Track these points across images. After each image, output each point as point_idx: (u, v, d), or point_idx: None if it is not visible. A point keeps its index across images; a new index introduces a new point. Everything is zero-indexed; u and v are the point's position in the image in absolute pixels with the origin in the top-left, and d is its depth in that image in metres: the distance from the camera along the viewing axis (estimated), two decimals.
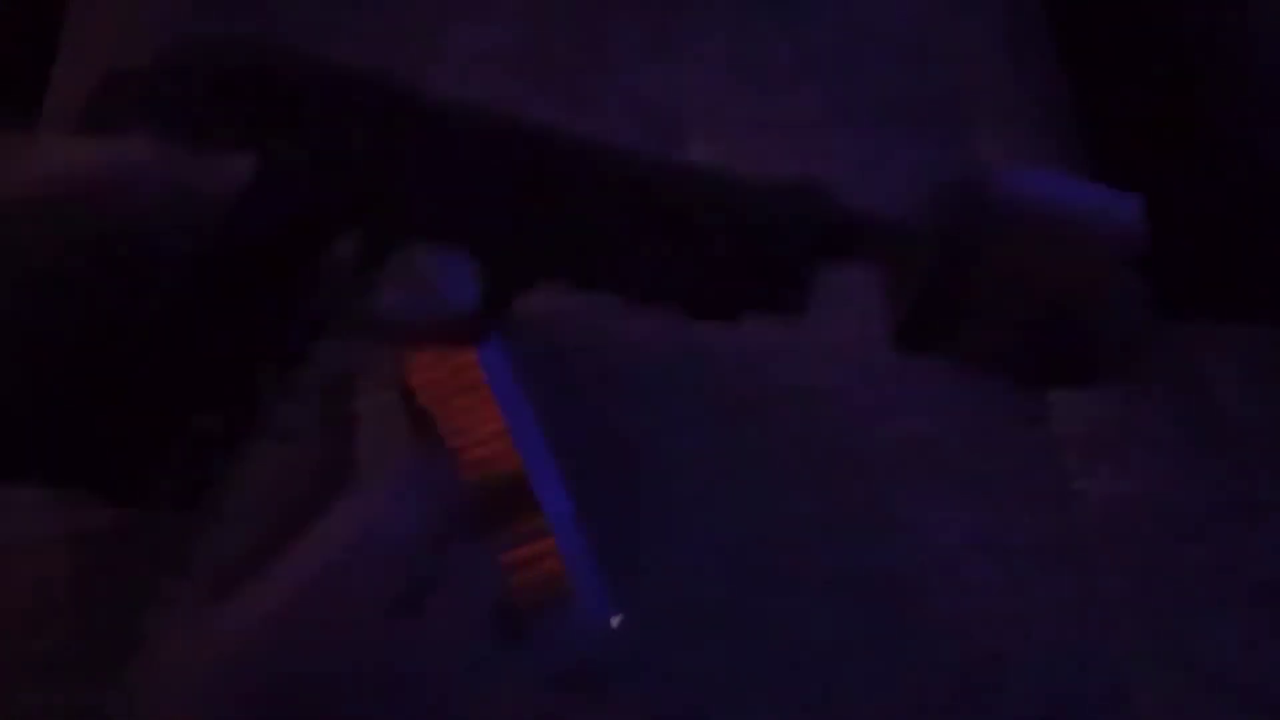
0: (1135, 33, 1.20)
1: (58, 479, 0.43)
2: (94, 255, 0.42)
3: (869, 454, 0.87)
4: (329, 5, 1.02)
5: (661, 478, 0.85)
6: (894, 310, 0.58)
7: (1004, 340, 0.55)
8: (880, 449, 0.87)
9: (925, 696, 0.79)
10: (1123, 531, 0.85)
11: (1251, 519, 0.87)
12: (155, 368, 0.46)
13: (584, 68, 1.02)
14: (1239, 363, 0.95)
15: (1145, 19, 1.20)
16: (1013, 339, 0.54)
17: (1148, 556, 0.85)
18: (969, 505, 0.85)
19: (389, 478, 0.67)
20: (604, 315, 0.90)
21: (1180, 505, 0.87)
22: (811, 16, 1.06)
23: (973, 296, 0.54)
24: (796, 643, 0.80)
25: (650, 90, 1.01)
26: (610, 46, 1.04)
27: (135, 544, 0.82)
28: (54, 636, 0.79)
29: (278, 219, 0.52)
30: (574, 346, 0.89)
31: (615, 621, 0.68)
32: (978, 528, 0.84)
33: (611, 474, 0.84)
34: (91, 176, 0.44)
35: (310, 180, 0.54)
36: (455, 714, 0.61)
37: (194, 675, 0.41)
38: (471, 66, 1.01)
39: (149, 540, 0.82)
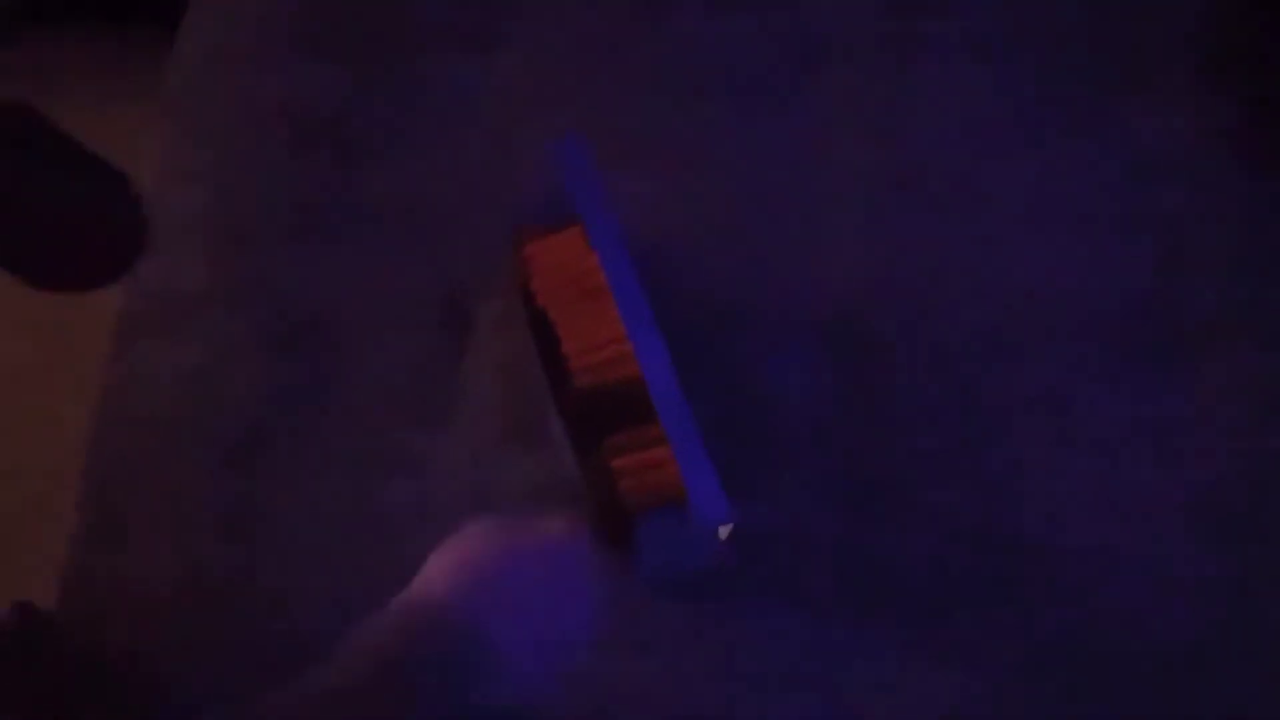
0: None
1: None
2: None
3: (996, 401, 0.83)
4: None
5: (777, 407, 0.84)
6: None
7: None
8: (1009, 397, 0.83)
9: (1030, 659, 0.76)
10: (1264, 489, 0.79)
11: None
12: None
13: None
14: None
15: None
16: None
17: None
18: (1102, 460, 0.81)
19: None
20: (731, 241, 0.90)
21: None
22: None
23: None
24: (901, 587, 0.78)
25: None
26: None
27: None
28: None
29: None
30: (701, 271, 0.89)
31: (724, 532, 0.67)
32: (1112, 485, 0.80)
33: (727, 397, 0.83)
34: None
35: None
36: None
37: None
38: None
39: None
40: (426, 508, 0.82)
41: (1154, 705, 0.74)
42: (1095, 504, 0.79)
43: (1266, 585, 0.77)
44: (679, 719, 0.75)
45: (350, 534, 0.82)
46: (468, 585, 0.54)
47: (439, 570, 0.55)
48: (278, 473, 0.84)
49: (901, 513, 0.80)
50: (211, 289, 0.91)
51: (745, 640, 0.77)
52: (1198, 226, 0.88)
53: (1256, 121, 0.90)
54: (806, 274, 0.88)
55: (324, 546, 0.82)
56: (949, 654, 0.76)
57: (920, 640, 0.76)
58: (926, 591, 0.78)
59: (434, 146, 0.95)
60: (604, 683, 0.75)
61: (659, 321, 0.72)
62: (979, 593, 0.77)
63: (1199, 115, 0.91)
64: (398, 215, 0.93)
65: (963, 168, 0.91)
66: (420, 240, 0.92)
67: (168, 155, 0.97)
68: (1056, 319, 0.85)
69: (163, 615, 0.80)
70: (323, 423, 0.86)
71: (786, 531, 0.79)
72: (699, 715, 0.75)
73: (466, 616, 0.52)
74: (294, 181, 0.95)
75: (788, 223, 0.90)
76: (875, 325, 0.86)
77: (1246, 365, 0.83)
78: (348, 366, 0.88)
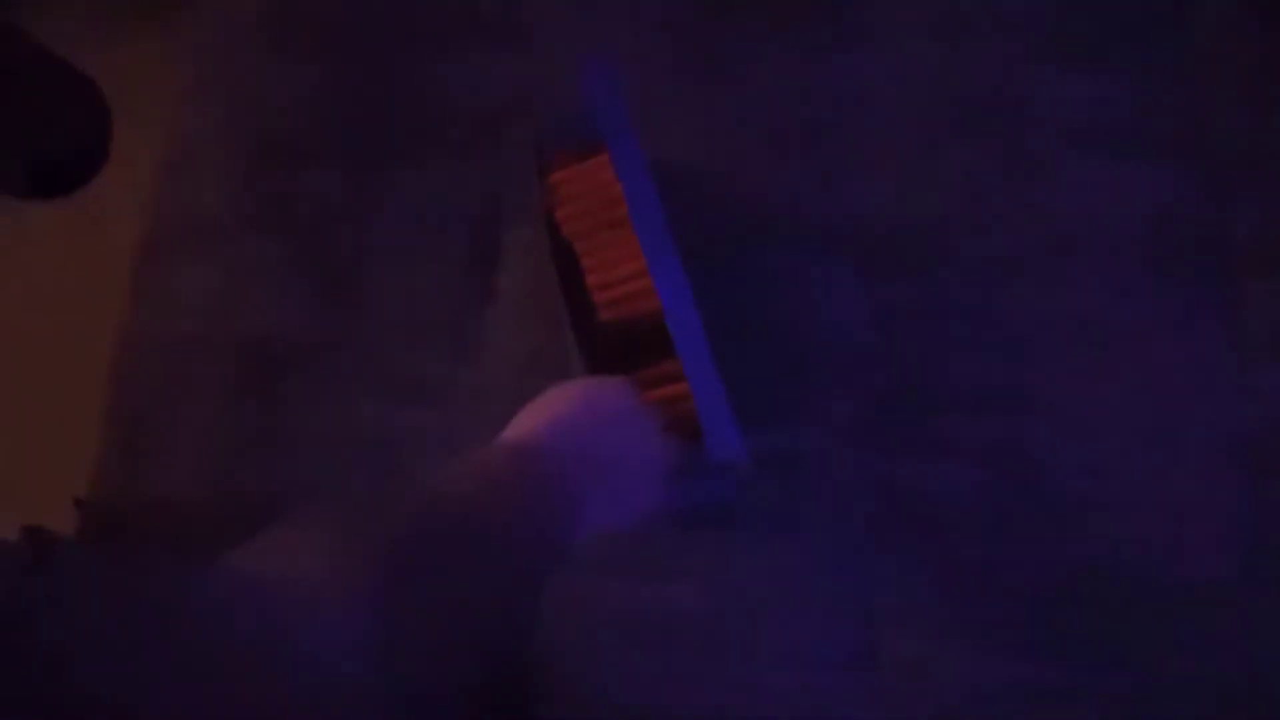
0: None
1: None
2: None
3: (1035, 328, 0.82)
4: None
5: (813, 331, 0.83)
6: None
7: None
8: (1048, 323, 0.82)
9: (1059, 586, 0.75)
10: None
11: None
12: None
13: None
14: None
15: None
16: None
17: None
18: (1136, 391, 0.80)
19: None
20: (769, 164, 0.88)
21: None
22: None
23: None
24: (933, 513, 0.77)
25: None
26: None
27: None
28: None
29: None
30: (738, 194, 0.87)
31: (744, 470, 0.67)
32: (1144, 414, 0.79)
33: (762, 321, 0.82)
34: None
35: None
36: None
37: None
38: None
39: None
40: (445, 437, 0.82)
41: (1178, 633, 0.74)
42: (1130, 435, 0.78)
43: None
44: (705, 647, 0.75)
45: (368, 460, 0.82)
46: (558, 438, 0.56)
47: (531, 422, 0.58)
48: (297, 397, 0.84)
49: (936, 438, 0.79)
50: (232, 211, 0.90)
51: (772, 567, 0.77)
52: (1245, 153, 0.85)
53: None
54: (844, 196, 0.87)
55: (342, 471, 0.82)
56: (979, 581, 0.76)
57: (950, 566, 0.76)
58: (958, 518, 0.77)
59: (466, 64, 0.93)
60: (626, 610, 0.76)
61: (692, 244, 0.71)
62: (1010, 521, 0.77)
63: (1247, 40, 0.88)
64: (426, 136, 0.92)
65: (1006, 89, 0.89)
66: (449, 162, 0.90)
67: (185, 72, 0.95)
68: (1098, 245, 0.84)
69: (182, 538, 0.81)
70: (344, 349, 0.86)
71: (818, 456, 0.79)
72: (726, 643, 0.75)
73: (555, 464, 0.54)
74: (319, 100, 0.94)
75: (826, 145, 0.88)
76: (914, 248, 0.85)
77: None
78: (370, 292, 0.87)
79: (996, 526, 0.77)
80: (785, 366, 0.81)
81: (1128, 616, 0.74)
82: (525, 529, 0.50)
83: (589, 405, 0.60)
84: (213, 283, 0.88)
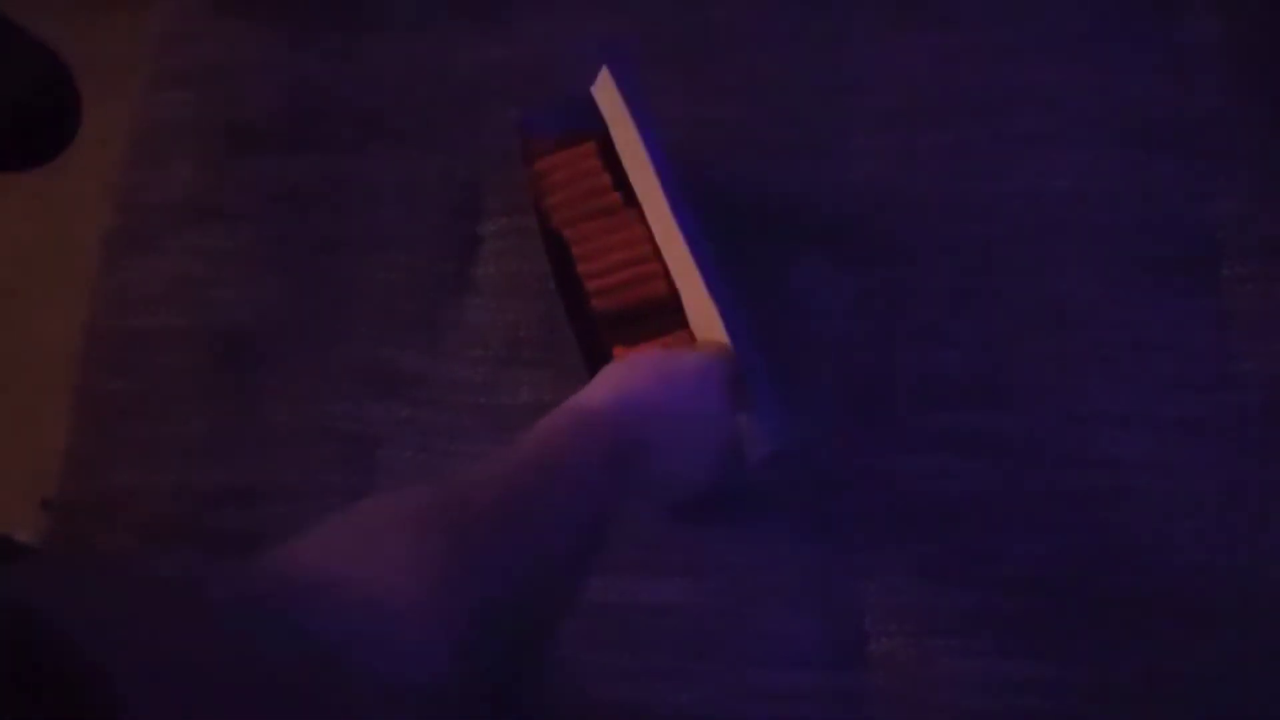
0: None
1: None
2: None
3: (1015, 313, 0.82)
4: None
5: (797, 318, 0.82)
6: None
7: None
8: (1028, 308, 0.82)
9: (1038, 569, 0.75)
10: None
11: None
12: None
13: None
14: None
15: None
16: None
17: None
18: (1116, 373, 0.80)
19: None
20: (751, 149, 0.88)
21: None
22: None
23: None
24: (920, 504, 0.77)
25: None
26: None
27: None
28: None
29: None
30: (721, 180, 0.86)
31: (762, 457, 0.66)
32: (1124, 397, 0.79)
33: (746, 307, 0.81)
34: None
35: None
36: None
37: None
38: None
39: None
40: (422, 431, 0.80)
41: (1157, 628, 0.73)
42: (1113, 424, 0.78)
43: None
44: (692, 644, 0.74)
45: (342, 455, 0.81)
46: (632, 403, 0.58)
47: (606, 388, 0.59)
48: (270, 390, 0.82)
49: (919, 431, 0.79)
50: (201, 199, 0.87)
51: (754, 564, 0.76)
52: (1225, 140, 0.85)
53: None
54: (827, 181, 0.86)
55: (314, 465, 0.80)
56: (966, 575, 0.75)
57: (937, 561, 0.76)
58: (943, 512, 0.77)
59: (443, 46, 0.92)
60: (612, 607, 0.75)
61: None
62: (995, 514, 0.77)
63: (1226, 28, 0.89)
64: (402, 122, 0.90)
65: (988, 73, 0.89)
66: (426, 148, 0.89)
67: (153, 55, 0.93)
68: (1078, 232, 0.84)
69: (151, 535, 0.79)
70: (317, 340, 0.84)
71: (800, 450, 0.78)
72: (712, 640, 0.74)
73: (629, 430, 0.56)
74: (290, 83, 0.91)
75: (808, 130, 0.88)
76: (896, 233, 0.85)
77: (1271, 288, 0.81)
78: (343, 282, 0.85)
79: (982, 519, 0.77)
80: (763, 354, 0.80)
81: (1116, 611, 0.74)
82: (593, 498, 0.52)
83: (655, 368, 0.62)
84: (181, 272, 0.86)
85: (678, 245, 0.68)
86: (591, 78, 0.74)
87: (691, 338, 0.70)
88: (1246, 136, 0.86)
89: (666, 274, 0.71)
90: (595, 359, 0.72)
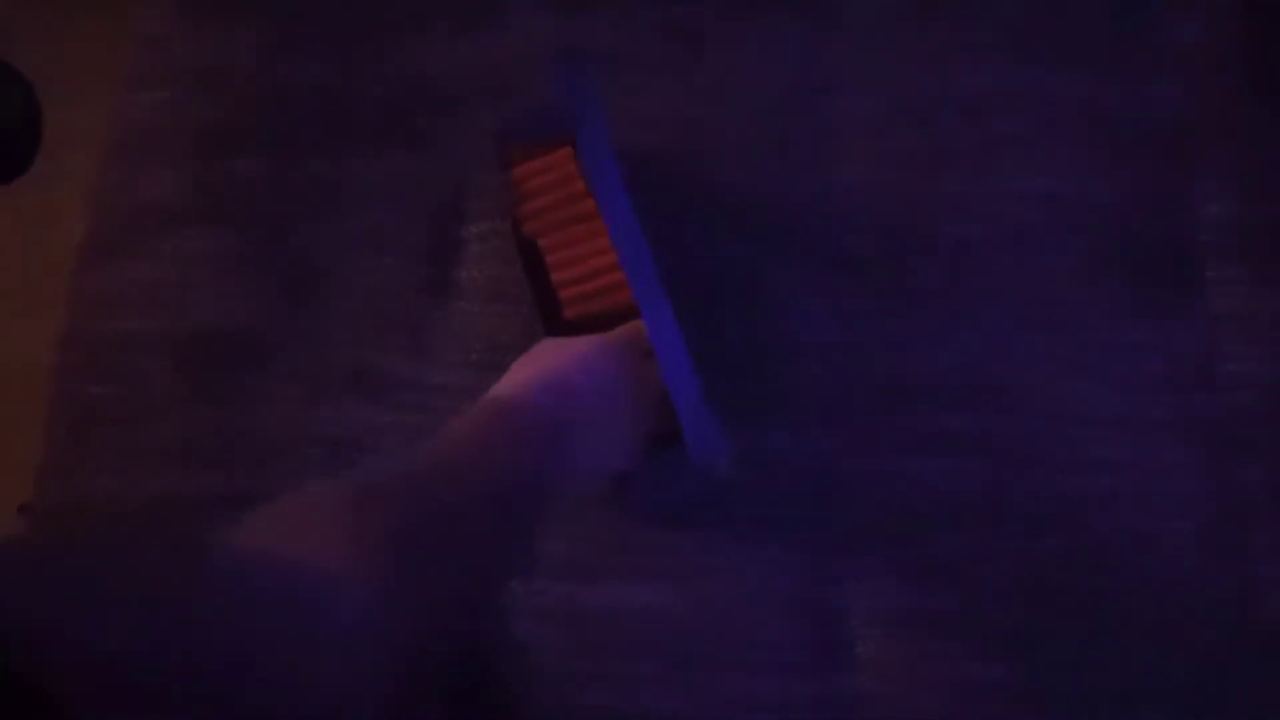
0: None
1: None
2: None
3: (999, 315, 0.81)
4: None
5: (780, 327, 0.81)
6: None
7: None
8: (1012, 310, 0.81)
9: (1025, 572, 0.75)
10: (1272, 417, 0.78)
11: None
12: None
13: None
14: None
15: None
16: None
17: None
18: (1103, 375, 0.79)
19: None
20: (734, 157, 0.87)
21: None
22: None
23: None
24: (905, 507, 0.77)
25: None
26: None
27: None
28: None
29: None
30: (705, 188, 0.86)
31: (724, 468, 0.66)
32: (1111, 399, 0.79)
33: (728, 318, 0.81)
34: None
35: None
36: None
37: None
38: None
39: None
40: (405, 436, 0.80)
41: (1141, 630, 0.73)
42: (1099, 426, 0.78)
43: (1268, 512, 0.76)
44: (675, 650, 0.74)
45: (325, 460, 0.80)
46: (548, 389, 0.59)
47: (521, 376, 0.60)
48: (251, 396, 0.82)
49: (904, 434, 0.78)
50: (179, 202, 0.87)
51: (740, 569, 0.76)
52: (1210, 143, 0.85)
53: (1269, 36, 0.88)
54: (810, 183, 0.85)
55: (297, 469, 0.80)
56: (951, 579, 0.75)
57: (921, 565, 0.76)
58: (928, 516, 0.77)
59: (427, 49, 0.91)
60: (599, 613, 0.74)
61: (662, 237, 0.70)
62: (980, 517, 0.76)
63: (1215, 33, 0.88)
64: (384, 124, 0.89)
65: (972, 74, 0.88)
66: (409, 151, 0.88)
67: (128, 56, 0.92)
68: (1064, 234, 0.83)
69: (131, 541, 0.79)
70: (299, 345, 0.83)
71: (785, 455, 0.78)
72: (696, 646, 0.74)
73: (546, 414, 0.58)
74: (270, 84, 0.90)
75: (790, 132, 0.87)
76: (880, 235, 0.84)
77: (1256, 290, 0.81)
78: (326, 286, 0.85)
79: (967, 523, 0.76)
80: (749, 362, 0.80)
81: (1103, 615, 0.74)
82: (515, 485, 0.54)
83: (563, 349, 0.63)
84: (160, 276, 0.85)
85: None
86: (555, 85, 0.73)
87: None
88: (1232, 138, 0.85)
89: None
90: None
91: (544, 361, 0.62)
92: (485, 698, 0.73)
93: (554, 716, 0.74)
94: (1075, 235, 0.83)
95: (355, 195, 0.87)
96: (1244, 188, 0.83)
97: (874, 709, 0.73)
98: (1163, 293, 0.81)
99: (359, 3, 0.93)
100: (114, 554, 0.36)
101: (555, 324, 0.72)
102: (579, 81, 0.71)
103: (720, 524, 0.77)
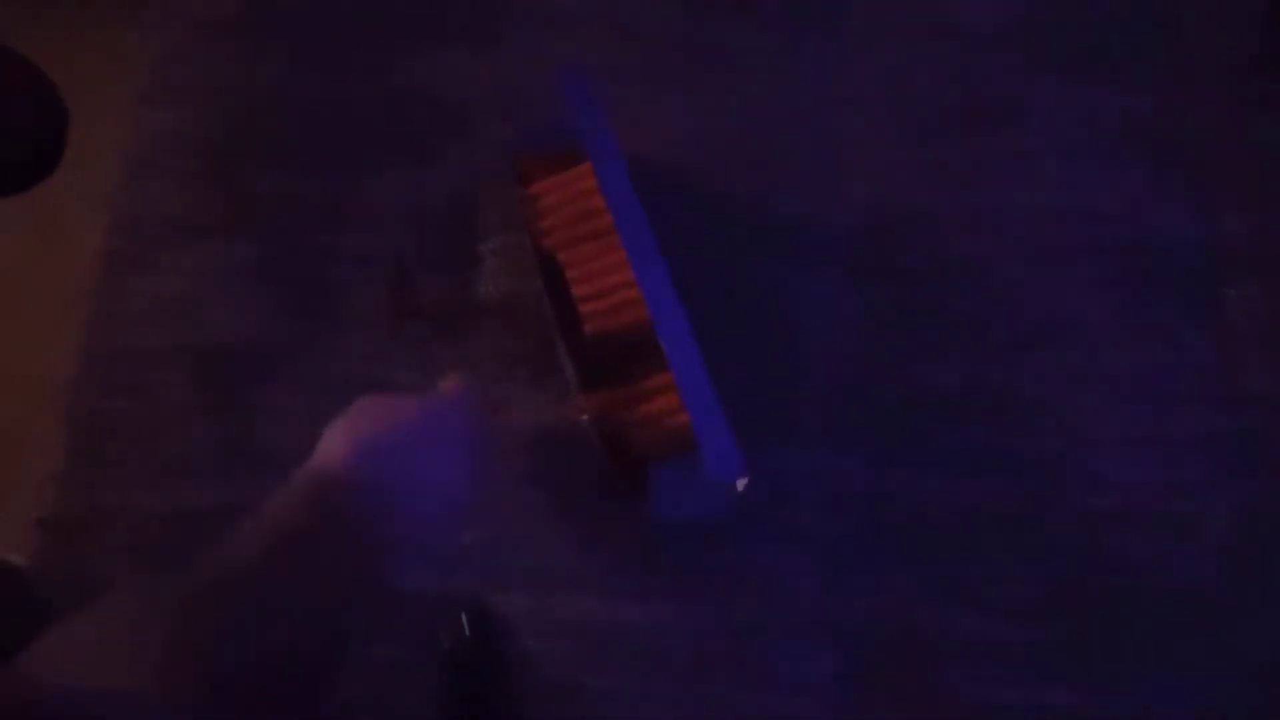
0: None
1: None
2: None
3: (1012, 333, 0.81)
4: None
5: (796, 337, 0.81)
6: None
7: None
8: (1025, 328, 0.81)
9: (1049, 599, 0.74)
10: None
11: None
12: None
13: None
14: None
15: None
16: None
17: None
18: (1125, 396, 0.79)
19: None
20: (750, 164, 0.87)
21: None
22: None
23: None
24: (923, 527, 0.76)
25: None
26: None
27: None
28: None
29: None
30: (720, 196, 0.86)
31: (741, 485, 0.65)
32: (1130, 417, 0.78)
33: (745, 328, 0.80)
34: None
35: None
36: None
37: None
38: None
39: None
40: None
41: (1159, 647, 0.73)
42: (1117, 443, 0.78)
43: None
44: (688, 668, 0.73)
45: None
46: (359, 449, 0.57)
47: (331, 442, 0.58)
48: (264, 409, 0.82)
49: (918, 449, 0.78)
50: (194, 216, 0.87)
51: (758, 584, 0.75)
52: (1227, 158, 0.85)
53: None
54: (825, 197, 0.86)
55: None
56: (966, 595, 0.75)
57: (941, 582, 0.75)
58: (945, 531, 0.76)
59: (437, 63, 0.91)
60: (611, 628, 0.74)
61: (671, 247, 0.70)
62: (998, 533, 0.76)
63: (1231, 46, 0.89)
64: (397, 137, 0.89)
65: (987, 88, 0.88)
66: (422, 168, 0.88)
67: (145, 72, 0.92)
68: (1082, 248, 0.83)
69: (144, 556, 0.78)
70: (311, 358, 0.83)
71: (802, 470, 0.77)
72: (709, 661, 0.74)
73: (359, 474, 0.56)
74: (284, 99, 0.91)
75: (808, 146, 0.87)
76: (897, 249, 0.84)
77: (1274, 305, 0.81)
78: (338, 299, 0.85)
79: (987, 543, 0.76)
80: (766, 376, 0.80)
81: (1124, 635, 0.74)
82: (331, 573, 0.53)
83: (393, 413, 0.61)
84: (175, 290, 0.85)
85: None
86: (567, 105, 0.73)
87: None
88: (1248, 155, 0.85)
89: None
90: (588, 381, 0.71)
91: (354, 420, 0.60)
92: (495, 712, 0.73)
93: None
94: (1094, 251, 0.83)
95: (368, 210, 0.87)
96: (1265, 204, 0.83)
97: None
98: (1182, 310, 0.81)
99: (371, 20, 0.94)
100: None
101: (576, 338, 0.71)
102: (585, 98, 0.71)
103: (735, 541, 0.76)
